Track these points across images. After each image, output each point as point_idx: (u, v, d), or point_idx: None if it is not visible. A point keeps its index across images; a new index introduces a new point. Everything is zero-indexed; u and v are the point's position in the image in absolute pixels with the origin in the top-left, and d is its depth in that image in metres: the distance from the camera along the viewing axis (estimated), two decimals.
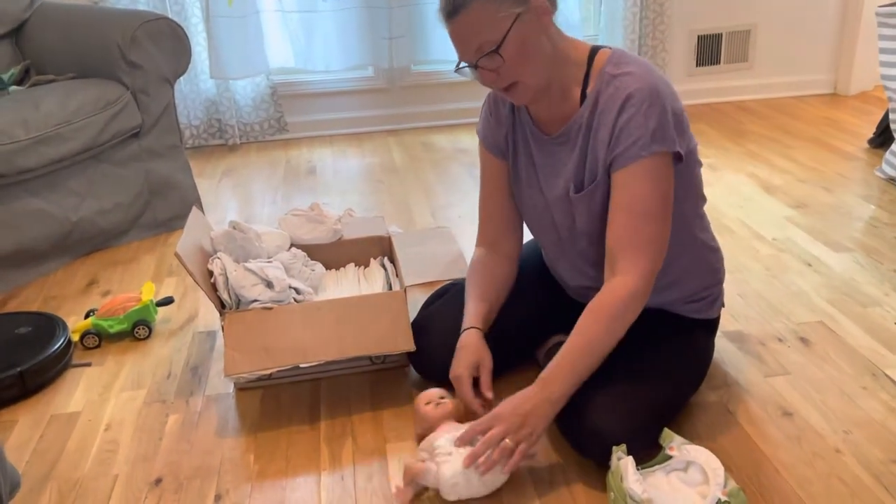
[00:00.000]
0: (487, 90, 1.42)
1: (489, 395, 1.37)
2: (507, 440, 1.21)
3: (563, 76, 1.31)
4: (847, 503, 1.24)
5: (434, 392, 1.41)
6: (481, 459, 1.21)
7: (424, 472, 1.25)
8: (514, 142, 1.45)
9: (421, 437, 1.36)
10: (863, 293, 1.89)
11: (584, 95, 1.31)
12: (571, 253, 1.45)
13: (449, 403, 1.38)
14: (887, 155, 2.62)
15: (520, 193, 1.49)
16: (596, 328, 1.26)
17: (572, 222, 1.40)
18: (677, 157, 1.28)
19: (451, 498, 1.25)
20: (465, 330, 1.45)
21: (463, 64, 1.27)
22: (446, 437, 1.27)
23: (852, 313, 1.80)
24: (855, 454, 1.35)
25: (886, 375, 1.56)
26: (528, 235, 1.58)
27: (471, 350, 1.40)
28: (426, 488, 1.29)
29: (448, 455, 1.24)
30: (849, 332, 1.72)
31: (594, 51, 1.32)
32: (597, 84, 1.29)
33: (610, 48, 1.32)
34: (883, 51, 2.63)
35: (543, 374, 1.27)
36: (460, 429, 1.28)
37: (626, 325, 1.27)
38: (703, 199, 1.44)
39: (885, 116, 2.83)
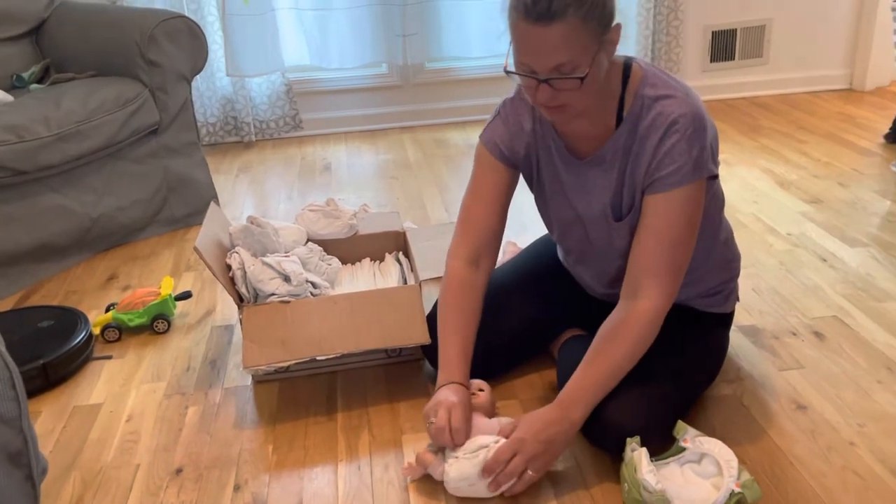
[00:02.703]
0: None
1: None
2: (528, 470, 1.23)
3: (602, 97, 1.26)
4: (862, 496, 1.25)
5: (473, 383, 1.39)
6: (504, 487, 1.23)
7: (433, 465, 1.28)
8: (537, 156, 1.40)
9: None
10: (878, 288, 1.88)
11: (619, 118, 1.27)
12: (600, 263, 1.44)
13: (480, 396, 1.38)
14: None
15: (544, 203, 1.46)
16: (622, 350, 1.25)
17: (609, 243, 1.38)
18: (712, 177, 1.28)
19: (455, 494, 1.27)
20: (450, 384, 1.31)
21: (511, 67, 1.18)
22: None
23: (867, 308, 1.80)
24: (870, 447, 1.35)
25: None
26: (536, 231, 1.58)
27: (463, 409, 1.28)
28: None
29: (455, 458, 1.26)
30: (864, 326, 1.72)
31: (626, 68, 1.27)
32: (634, 106, 1.25)
33: (640, 64, 1.28)
34: None
35: (564, 396, 1.26)
36: (486, 426, 1.30)
37: (647, 346, 1.27)
38: (723, 201, 1.44)
39: None
